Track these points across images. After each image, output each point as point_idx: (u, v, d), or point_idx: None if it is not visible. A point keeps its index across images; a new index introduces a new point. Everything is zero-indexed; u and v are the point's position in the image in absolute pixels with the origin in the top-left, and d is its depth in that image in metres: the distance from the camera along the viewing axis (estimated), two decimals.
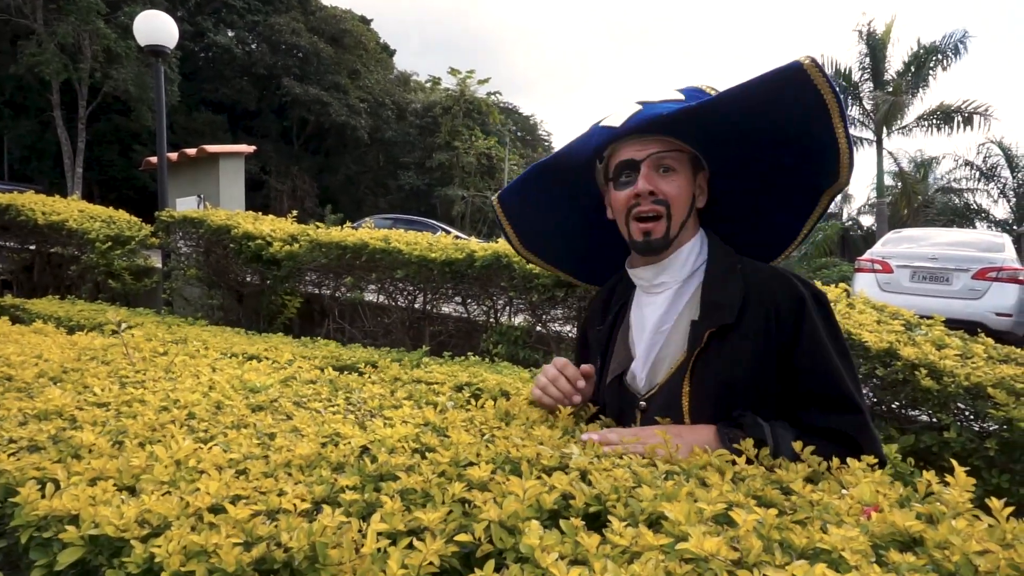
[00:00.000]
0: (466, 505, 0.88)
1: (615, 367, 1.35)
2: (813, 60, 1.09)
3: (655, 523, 0.83)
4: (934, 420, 1.97)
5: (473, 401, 1.48)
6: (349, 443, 1.11)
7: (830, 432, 1.13)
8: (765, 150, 1.26)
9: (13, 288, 7.27)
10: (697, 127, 1.24)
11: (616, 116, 1.29)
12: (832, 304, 1.25)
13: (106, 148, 29.01)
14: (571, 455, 1.03)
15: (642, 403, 1.28)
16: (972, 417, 1.97)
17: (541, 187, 1.51)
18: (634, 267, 1.36)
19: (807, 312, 1.17)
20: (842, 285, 2.69)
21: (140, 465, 0.99)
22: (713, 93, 1.26)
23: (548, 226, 1.58)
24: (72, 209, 6.79)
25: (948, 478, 0.93)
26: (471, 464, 1.01)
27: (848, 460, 1.02)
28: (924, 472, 0.95)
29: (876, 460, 1.03)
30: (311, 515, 0.87)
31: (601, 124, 1.31)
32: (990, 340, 2.37)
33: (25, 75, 24.52)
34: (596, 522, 0.87)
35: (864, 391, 2.30)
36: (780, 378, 1.18)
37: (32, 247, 6.90)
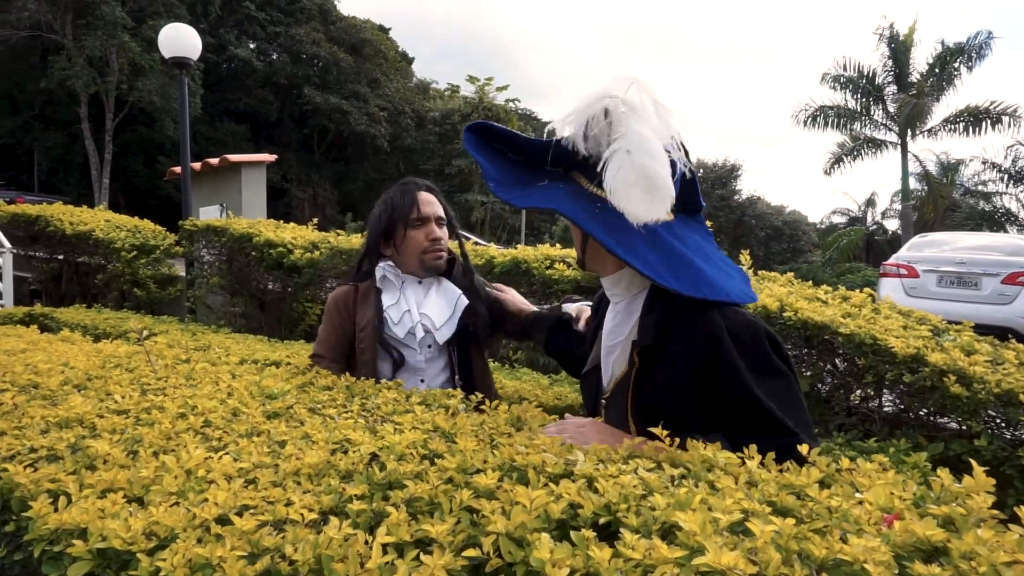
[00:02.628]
0: (474, 515, 0.87)
1: (590, 361, 1.52)
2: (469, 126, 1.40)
3: (668, 533, 0.82)
4: (963, 428, 1.92)
5: (488, 403, 1.48)
6: (359, 450, 1.11)
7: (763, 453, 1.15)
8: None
9: (42, 297, 7.43)
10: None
11: None
12: (767, 336, 1.26)
13: (131, 159, 29.52)
14: (576, 461, 1.02)
15: (603, 400, 1.42)
16: (1003, 425, 1.92)
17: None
18: (600, 278, 1.49)
19: (723, 348, 1.21)
20: (866, 290, 2.64)
21: (150, 476, 1.00)
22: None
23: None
24: (99, 219, 6.92)
25: (966, 478, 0.91)
26: (478, 471, 1.01)
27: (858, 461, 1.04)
28: (938, 470, 0.94)
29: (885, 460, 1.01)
30: (318, 525, 0.87)
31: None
32: (1022, 346, 2.30)
33: (55, 89, 25.07)
34: (606, 532, 0.86)
35: (888, 397, 2.28)
36: (701, 408, 1.24)
37: (60, 257, 7.05)
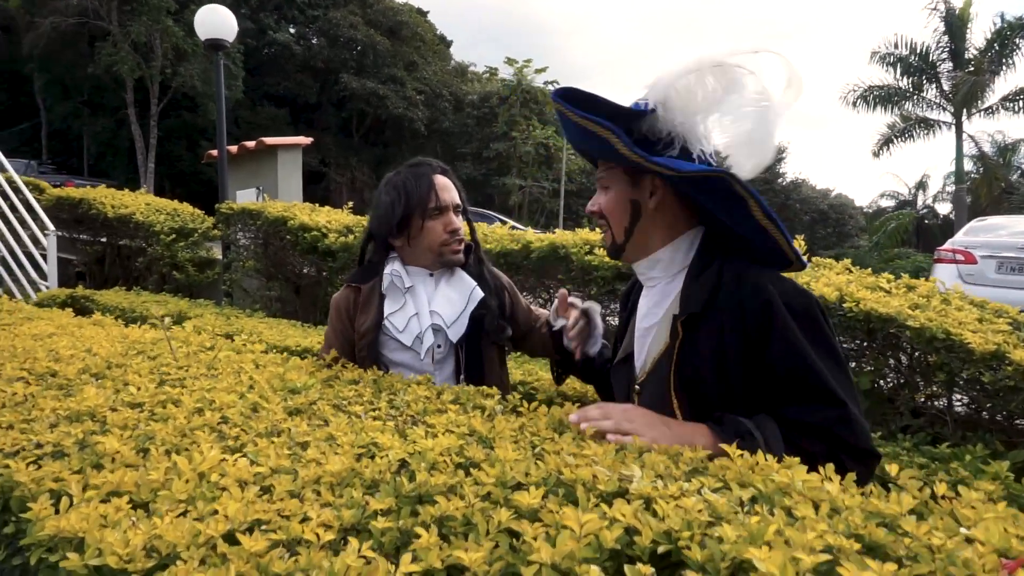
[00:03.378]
0: (514, 539, 0.76)
1: (622, 350, 1.47)
2: (552, 93, 1.26)
3: (738, 570, 0.69)
4: None
5: (525, 404, 1.37)
6: (387, 455, 1.00)
7: (811, 427, 1.14)
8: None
9: (87, 279, 7.55)
10: (597, 152, 1.34)
11: None
12: (828, 309, 1.27)
13: (175, 144, 30.12)
14: (631, 478, 0.90)
15: (636, 386, 1.37)
16: None
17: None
18: (632, 264, 1.44)
19: (775, 313, 1.17)
20: (933, 278, 2.43)
21: (159, 479, 0.91)
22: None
23: None
24: (139, 203, 6.99)
25: None
26: (519, 486, 0.89)
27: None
28: None
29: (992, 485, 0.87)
30: (337, 546, 0.77)
31: None
32: None
33: (102, 75, 25.64)
34: (664, 564, 0.74)
35: (961, 398, 2.10)
36: (748, 378, 1.19)
37: (104, 239, 7.15)
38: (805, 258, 1.37)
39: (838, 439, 1.13)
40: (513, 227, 4.18)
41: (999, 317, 2.14)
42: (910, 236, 24.92)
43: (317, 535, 0.76)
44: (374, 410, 1.33)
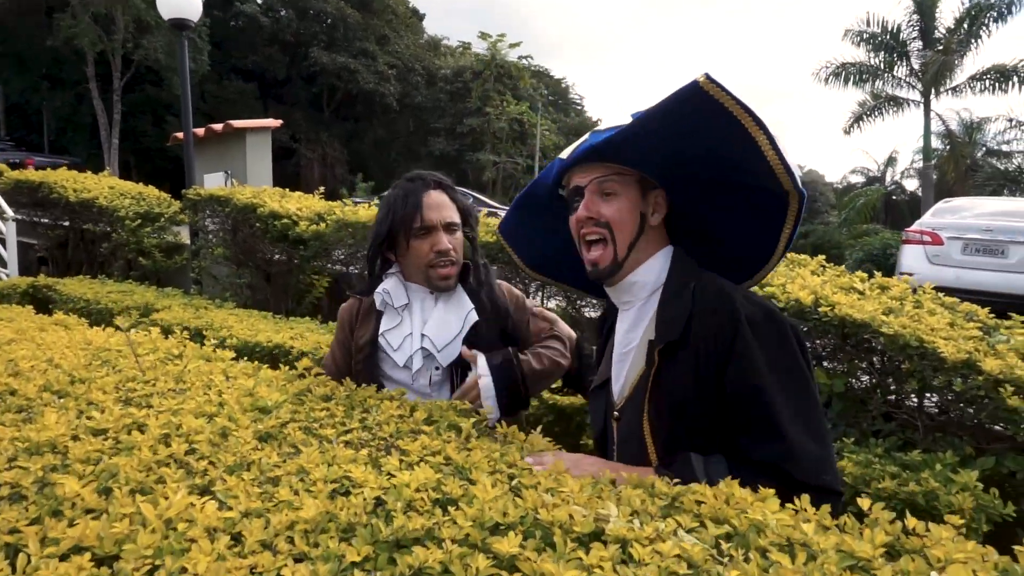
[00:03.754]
0: None
1: (599, 376, 1.44)
2: (708, 76, 1.07)
3: None
4: (1018, 439, 1.77)
5: (501, 424, 1.36)
6: (362, 493, 0.98)
7: (757, 464, 1.10)
8: (712, 169, 1.24)
9: (49, 264, 7.35)
10: (628, 150, 1.25)
11: (569, 149, 1.34)
12: (794, 330, 1.21)
13: (140, 119, 29.29)
14: (608, 517, 0.89)
15: (615, 413, 1.33)
16: None
17: (530, 214, 1.54)
18: (606, 287, 1.38)
19: (739, 333, 1.15)
20: (904, 277, 2.46)
21: (123, 531, 0.87)
22: None
23: (545, 248, 1.60)
24: (102, 186, 6.80)
25: None
26: (497, 526, 0.88)
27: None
28: (1008, 504, 0.80)
29: (961, 519, 0.88)
30: None
31: (560, 156, 1.36)
32: None
33: (61, 48, 24.75)
34: None
35: (933, 401, 2.13)
36: (718, 404, 1.17)
37: (66, 223, 6.95)
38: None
39: (786, 476, 1.08)
40: (489, 207, 4.13)
41: (970, 321, 2.17)
42: (878, 212, 25.28)
43: None
44: (346, 432, 1.31)
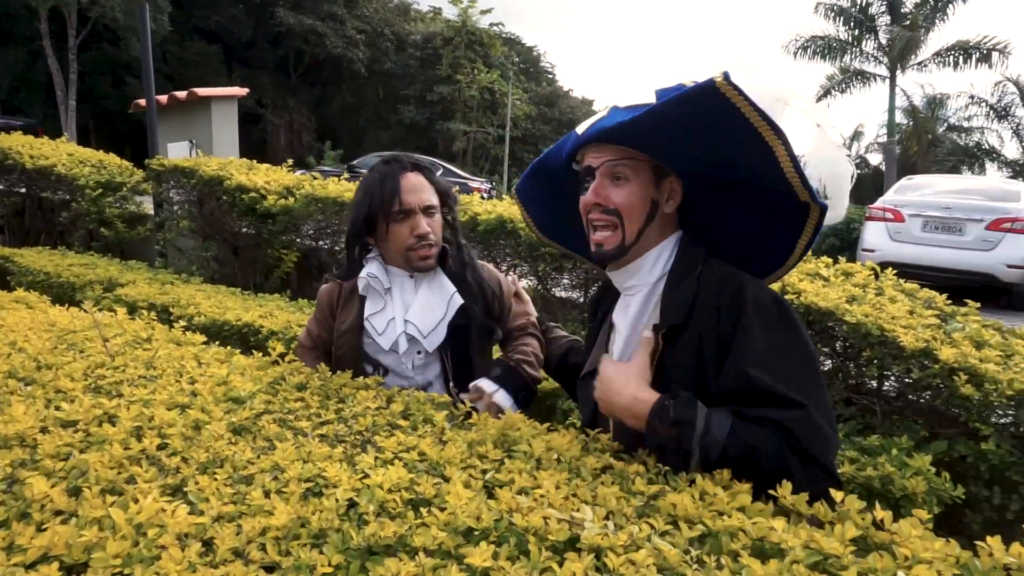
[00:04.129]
0: None
1: (590, 363, 1.41)
2: (726, 76, 1.03)
3: None
4: (970, 425, 1.85)
5: (475, 415, 1.37)
6: (335, 493, 0.98)
7: (768, 421, 1.08)
8: (722, 167, 1.23)
9: (5, 233, 7.12)
10: (641, 138, 1.22)
11: (586, 123, 1.30)
12: (789, 304, 1.22)
13: (98, 79, 28.21)
14: (583, 523, 0.91)
15: None
16: (1012, 428, 1.84)
17: (540, 184, 1.52)
18: (609, 271, 1.37)
19: (744, 309, 1.15)
20: (868, 263, 2.51)
21: (92, 538, 0.87)
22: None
23: (556, 215, 1.56)
24: (61, 153, 6.57)
25: (1015, 547, 0.82)
26: (471, 531, 0.89)
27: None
28: (958, 486, 0.83)
29: (926, 513, 0.92)
30: None
31: (576, 129, 1.32)
32: None
33: (11, 2, 23.61)
34: None
35: (890, 388, 2.20)
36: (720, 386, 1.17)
37: (22, 191, 6.71)
38: None
39: (794, 440, 1.05)
40: (460, 178, 4.09)
41: (928, 308, 2.24)
42: None
43: None
44: (322, 424, 1.31)
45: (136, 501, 0.95)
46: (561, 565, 0.81)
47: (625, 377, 1.20)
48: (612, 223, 1.26)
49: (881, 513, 0.91)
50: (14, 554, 0.85)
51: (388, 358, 1.72)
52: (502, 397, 1.59)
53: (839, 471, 1.75)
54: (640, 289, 1.31)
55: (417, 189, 1.69)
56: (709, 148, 1.20)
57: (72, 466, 1.10)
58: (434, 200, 1.72)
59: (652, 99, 1.20)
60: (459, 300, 1.72)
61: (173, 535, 0.87)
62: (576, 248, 1.64)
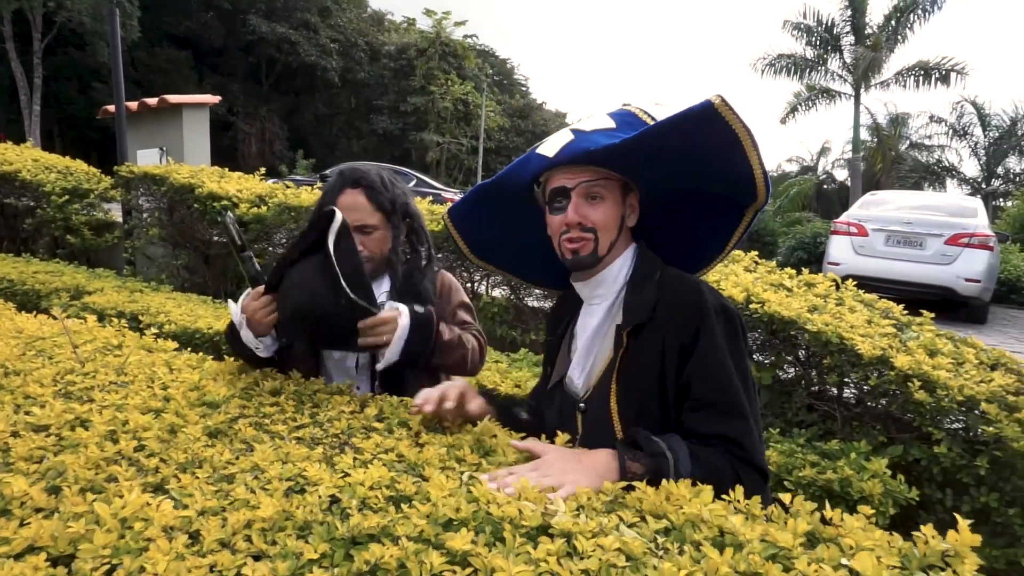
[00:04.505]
0: None
1: (555, 374, 1.47)
2: (722, 98, 1.13)
3: None
4: (923, 429, 1.93)
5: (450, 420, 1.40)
6: (317, 490, 1.01)
7: (718, 438, 1.18)
8: (691, 177, 1.32)
9: None
10: (624, 160, 1.29)
11: (550, 145, 1.35)
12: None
13: (64, 84, 27.69)
14: (555, 512, 0.95)
15: (581, 405, 1.37)
16: (963, 431, 1.93)
17: (488, 205, 1.57)
18: (575, 282, 1.44)
19: (705, 315, 1.23)
20: (830, 274, 2.61)
21: (79, 531, 0.88)
22: (641, 115, 1.34)
23: (500, 237, 1.63)
24: (25, 158, 6.46)
25: (951, 534, 0.87)
26: (451, 522, 0.93)
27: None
28: (913, 488, 0.89)
29: (871, 512, 0.99)
30: None
31: (537, 151, 1.37)
32: (980, 342, 2.32)
33: None
34: None
35: (850, 395, 2.28)
36: (680, 387, 1.24)
37: None
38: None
39: (741, 451, 1.17)
40: (434, 189, 4.12)
41: (885, 318, 2.33)
42: (811, 201, 26.25)
43: None
44: (298, 428, 1.33)
45: (120, 496, 0.96)
46: (535, 548, 0.84)
47: (563, 466, 1.14)
48: (582, 239, 1.33)
49: (830, 512, 0.97)
50: (0, 547, 0.86)
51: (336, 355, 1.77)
52: (403, 326, 1.58)
53: (800, 474, 1.82)
54: (606, 298, 1.38)
55: (351, 208, 1.71)
56: (684, 162, 1.27)
57: (48, 467, 1.10)
58: (370, 220, 1.73)
59: (610, 122, 1.32)
60: (384, 298, 1.74)
61: (159, 527, 0.89)
62: (512, 269, 1.72)
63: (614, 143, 1.25)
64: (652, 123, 1.28)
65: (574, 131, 1.34)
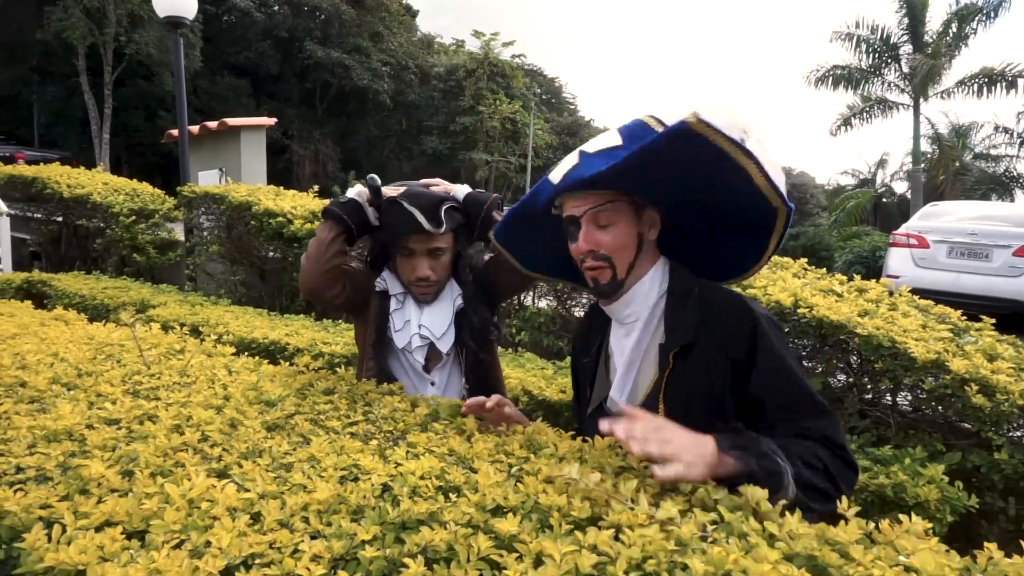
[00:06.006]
0: (494, 570, 0.81)
1: (595, 397, 1.45)
2: (697, 116, 1.09)
3: None
4: (983, 436, 1.85)
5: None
6: (370, 479, 1.04)
7: (811, 434, 1.17)
8: (702, 192, 1.29)
9: (42, 260, 7.35)
10: (621, 181, 1.27)
11: (558, 171, 1.36)
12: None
13: (132, 114, 29.03)
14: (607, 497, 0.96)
15: None
16: None
17: (522, 226, 1.58)
18: (604, 305, 1.42)
19: (761, 331, 1.23)
20: (883, 281, 2.54)
21: (151, 508, 0.94)
22: (651, 123, 1.26)
23: (542, 251, 1.63)
24: (96, 182, 6.80)
25: (1016, 559, 0.83)
26: (499, 509, 0.95)
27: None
28: (972, 496, 0.86)
29: (929, 523, 0.97)
30: None
31: (548, 177, 1.39)
32: None
33: (52, 41, 24.53)
34: None
35: (905, 398, 2.21)
36: (736, 395, 1.24)
37: (59, 219, 6.95)
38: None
39: (833, 445, 1.16)
40: None
41: (942, 323, 2.26)
42: (868, 214, 25.53)
43: (308, 569, 0.80)
44: (351, 424, 1.37)
45: (188, 480, 1.02)
46: (584, 535, 0.86)
47: (680, 430, 1.11)
48: (598, 266, 1.34)
49: (885, 525, 0.94)
50: (80, 520, 0.93)
51: (406, 356, 1.80)
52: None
53: None
54: (639, 315, 1.36)
55: (426, 240, 1.75)
56: (684, 179, 1.26)
57: (121, 454, 1.17)
58: (441, 243, 1.77)
59: (616, 139, 1.28)
60: (461, 303, 1.81)
61: (223, 508, 0.94)
62: (564, 276, 1.71)
63: (601, 171, 1.24)
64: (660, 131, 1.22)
65: (581, 154, 1.33)
